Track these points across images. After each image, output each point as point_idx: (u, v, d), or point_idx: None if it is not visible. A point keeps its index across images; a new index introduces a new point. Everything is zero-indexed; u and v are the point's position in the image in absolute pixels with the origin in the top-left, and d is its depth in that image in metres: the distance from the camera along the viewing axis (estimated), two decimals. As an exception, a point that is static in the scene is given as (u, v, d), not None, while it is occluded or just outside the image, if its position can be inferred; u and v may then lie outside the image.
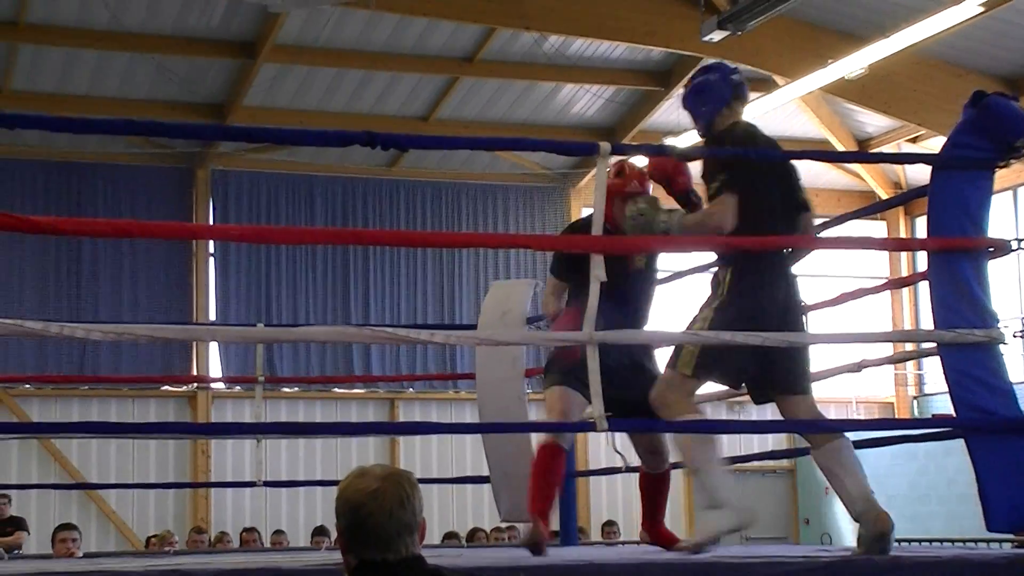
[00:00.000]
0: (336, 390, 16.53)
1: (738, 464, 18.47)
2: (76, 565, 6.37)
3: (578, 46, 14.77)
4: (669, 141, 15.05)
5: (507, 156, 16.29)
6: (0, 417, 14.68)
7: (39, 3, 13.18)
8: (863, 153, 16.85)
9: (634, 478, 5.80)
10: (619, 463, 5.75)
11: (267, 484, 9.22)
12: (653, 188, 5.57)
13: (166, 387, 16.01)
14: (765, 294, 4.90)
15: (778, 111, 16.13)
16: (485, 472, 7.00)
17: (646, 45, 14.65)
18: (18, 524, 12.19)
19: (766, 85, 15.20)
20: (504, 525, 12.27)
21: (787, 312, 4.94)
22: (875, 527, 4.64)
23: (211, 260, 15.95)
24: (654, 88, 15.78)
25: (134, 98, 14.73)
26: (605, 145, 4.40)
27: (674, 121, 15.90)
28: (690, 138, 15.23)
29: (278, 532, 13.62)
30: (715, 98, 5.19)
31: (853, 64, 13.47)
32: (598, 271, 4.44)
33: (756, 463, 17.19)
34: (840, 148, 16.44)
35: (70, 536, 9.36)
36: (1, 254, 15.10)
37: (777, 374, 4.93)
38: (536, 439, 5.72)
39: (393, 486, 2.95)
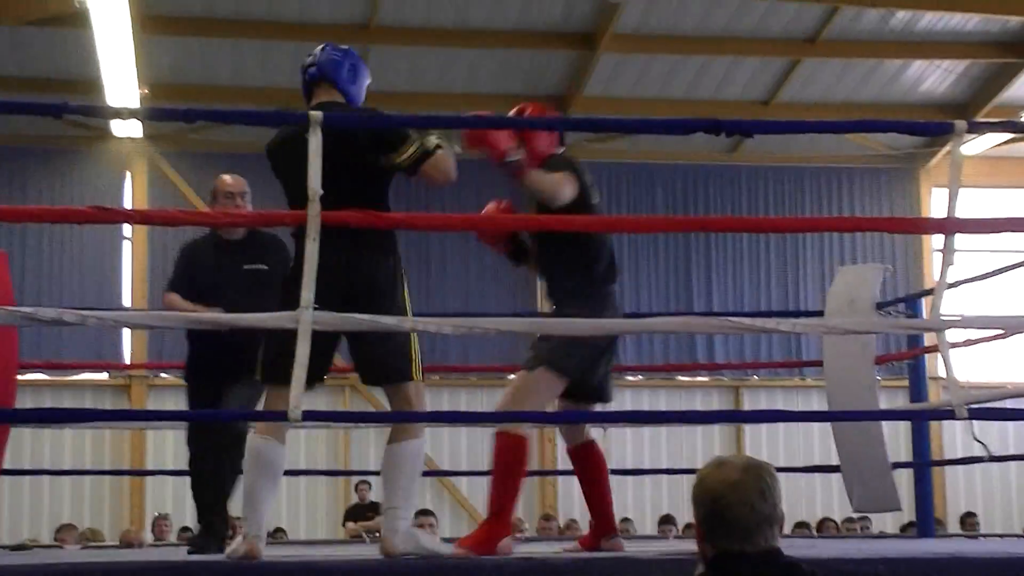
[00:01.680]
0: (680, 378, 16.51)
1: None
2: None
3: (928, 20, 14.21)
4: (1027, 116, 14.34)
5: (852, 138, 15.83)
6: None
7: (389, 6, 13.70)
8: None
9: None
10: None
11: (613, 472, 9.26)
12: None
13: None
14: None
15: None
16: (834, 461, 6.85)
17: (1002, 15, 13.95)
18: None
19: None
20: (856, 515, 11.98)
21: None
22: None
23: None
24: (1011, 60, 15.01)
25: (479, 92, 15.07)
26: (961, 123, 4.21)
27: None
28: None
29: (625, 520, 13.74)
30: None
31: None
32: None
33: None
34: None
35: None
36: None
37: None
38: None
39: (754, 478, 2.95)
